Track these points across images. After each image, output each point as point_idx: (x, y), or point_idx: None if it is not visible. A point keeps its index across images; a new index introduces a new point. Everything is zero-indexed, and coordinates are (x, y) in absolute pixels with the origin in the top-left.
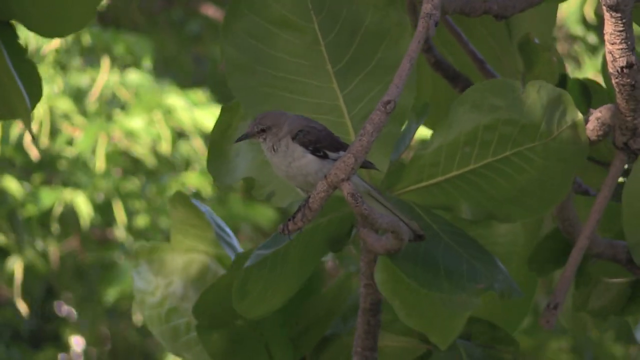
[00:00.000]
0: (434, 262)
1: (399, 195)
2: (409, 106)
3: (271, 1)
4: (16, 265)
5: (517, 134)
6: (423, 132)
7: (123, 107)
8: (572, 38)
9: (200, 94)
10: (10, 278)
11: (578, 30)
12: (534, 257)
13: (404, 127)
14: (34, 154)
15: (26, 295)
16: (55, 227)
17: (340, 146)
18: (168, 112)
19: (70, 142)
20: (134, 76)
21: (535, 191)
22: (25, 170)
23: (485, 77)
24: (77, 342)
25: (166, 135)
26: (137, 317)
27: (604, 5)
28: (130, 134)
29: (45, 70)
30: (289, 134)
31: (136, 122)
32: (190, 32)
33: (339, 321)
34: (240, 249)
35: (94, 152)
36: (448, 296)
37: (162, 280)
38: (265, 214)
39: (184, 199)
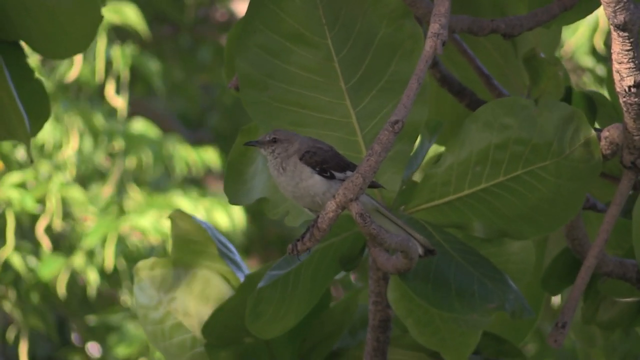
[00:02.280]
0: (445, 281)
1: (411, 213)
2: (421, 123)
3: (285, 16)
4: (21, 344)
5: (529, 153)
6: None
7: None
8: (581, 69)
9: (210, 151)
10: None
11: (587, 61)
12: (547, 276)
13: (416, 145)
14: (45, 244)
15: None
16: (62, 294)
17: (347, 166)
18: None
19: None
20: (139, 125)
21: (547, 209)
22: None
23: (492, 92)
24: None
25: None
26: None
27: (611, 24)
28: (140, 230)
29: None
30: (297, 153)
31: (146, 220)
32: (198, 59)
33: (347, 335)
34: (242, 263)
35: (103, 245)
36: (460, 315)
37: (165, 295)
38: None
39: (184, 216)
